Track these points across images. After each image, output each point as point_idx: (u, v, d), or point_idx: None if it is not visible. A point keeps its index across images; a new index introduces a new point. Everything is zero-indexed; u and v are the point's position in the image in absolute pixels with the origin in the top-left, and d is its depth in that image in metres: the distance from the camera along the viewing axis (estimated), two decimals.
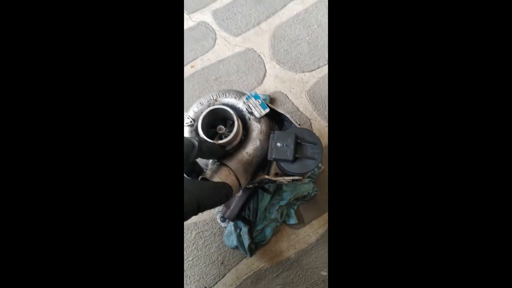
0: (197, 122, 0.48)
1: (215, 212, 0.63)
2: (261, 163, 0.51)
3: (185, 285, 0.61)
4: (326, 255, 0.61)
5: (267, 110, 0.51)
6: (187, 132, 0.53)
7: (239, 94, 0.54)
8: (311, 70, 0.73)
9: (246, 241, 0.58)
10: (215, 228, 0.63)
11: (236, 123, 0.48)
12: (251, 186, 0.54)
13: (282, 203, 0.60)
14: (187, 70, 0.75)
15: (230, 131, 0.51)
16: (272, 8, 0.79)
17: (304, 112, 0.70)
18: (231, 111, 0.48)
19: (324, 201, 0.64)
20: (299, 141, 0.47)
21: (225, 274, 0.61)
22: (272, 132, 0.48)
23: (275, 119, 0.56)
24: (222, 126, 0.51)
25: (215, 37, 0.77)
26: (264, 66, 0.74)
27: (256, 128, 0.51)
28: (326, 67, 0.73)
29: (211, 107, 0.49)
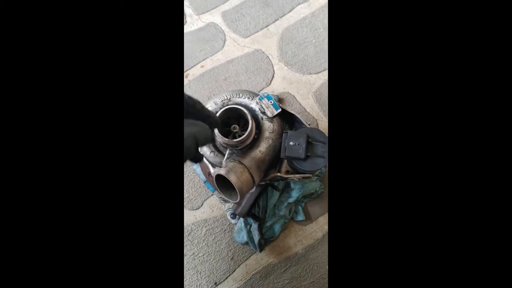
0: None
1: (225, 209, 0.65)
2: (273, 161, 0.53)
3: (195, 281, 0.62)
4: None
5: (279, 110, 0.53)
6: None
7: (252, 95, 0.56)
8: (318, 72, 0.75)
9: (256, 237, 0.60)
10: (225, 224, 0.65)
11: (250, 122, 0.50)
12: (263, 183, 0.56)
13: (291, 200, 0.62)
14: (197, 70, 0.77)
15: (243, 130, 0.52)
16: (280, 11, 0.81)
17: (311, 113, 0.72)
18: (246, 111, 0.50)
19: None
20: (310, 140, 0.49)
21: (235, 270, 0.62)
22: (285, 131, 0.50)
23: (285, 119, 0.58)
24: (236, 125, 0.53)
25: (225, 38, 0.79)
26: (273, 67, 0.76)
27: (269, 128, 0.53)
28: None
29: (227, 106, 0.51)
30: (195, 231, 0.65)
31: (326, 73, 0.75)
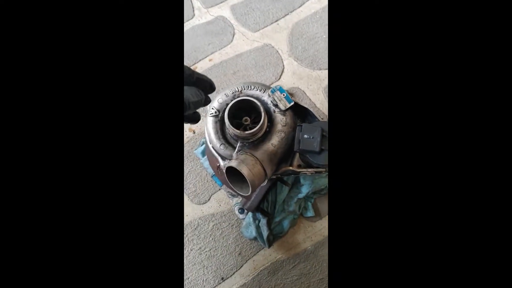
0: (224, 112, 0.49)
1: (233, 204, 0.64)
2: (285, 154, 0.52)
3: (202, 275, 0.61)
4: None
5: (292, 103, 0.52)
6: (210, 122, 0.54)
7: (264, 87, 0.55)
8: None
9: (265, 233, 0.59)
10: (233, 219, 0.64)
11: (263, 114, 0.49)
12: (273, 177, 0.55)
13: (300, 196, 0.61)
14: (205, 64, 0.76)
15: (254, 123, 0.52)
16: (290, 6, 0.80)
17: (321, 109, 0.71)
18: (258, 103, 0.49)
19: None
20: (324, 133, 0.48)
21: (242, 265, 0.61)
22: (299, 124, 0.49)
23: (296, 113, 0.57)
24: (248, 117, 0.52)
25: (233, 32, 0.78)
26: (282, 62, 0.75)
27: (281, 121, 0.52)
28: None
29: (239, 98, 0.50)
30: (202, 225, 0.64)
31: None
